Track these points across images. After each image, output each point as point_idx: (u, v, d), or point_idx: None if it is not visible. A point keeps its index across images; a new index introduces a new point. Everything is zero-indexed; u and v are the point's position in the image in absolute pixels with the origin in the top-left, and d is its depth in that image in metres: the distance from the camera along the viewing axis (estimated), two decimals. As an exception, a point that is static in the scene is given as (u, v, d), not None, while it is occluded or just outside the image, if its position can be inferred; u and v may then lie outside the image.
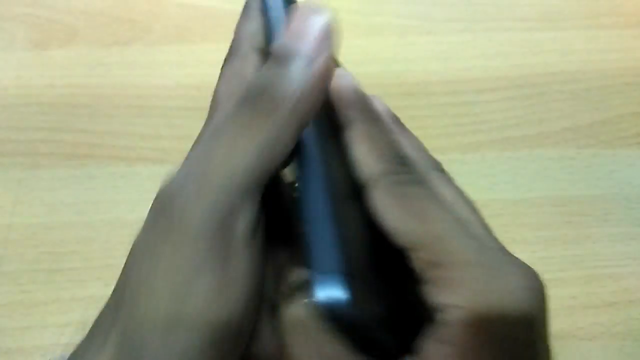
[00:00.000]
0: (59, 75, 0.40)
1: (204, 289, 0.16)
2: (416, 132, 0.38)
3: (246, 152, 0.16)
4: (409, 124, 0.41)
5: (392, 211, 0.17)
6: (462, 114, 0.39)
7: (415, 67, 0.42)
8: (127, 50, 0.42)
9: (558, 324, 0.31)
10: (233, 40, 0.21)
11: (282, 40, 0.18)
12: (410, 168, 0.19)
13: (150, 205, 0.18)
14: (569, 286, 0.32)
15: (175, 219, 0.16)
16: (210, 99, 0.43)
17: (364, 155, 0.18)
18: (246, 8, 0.22)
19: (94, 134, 0.37)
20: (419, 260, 0.16)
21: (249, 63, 0.21)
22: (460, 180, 0.36)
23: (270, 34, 0.21)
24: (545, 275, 0.35)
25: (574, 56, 0.42)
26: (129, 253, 0.18)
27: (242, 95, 0.18)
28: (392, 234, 0.17)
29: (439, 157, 0.39)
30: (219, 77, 0.22)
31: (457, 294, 0.15)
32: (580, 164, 0.36)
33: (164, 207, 0.17)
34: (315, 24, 0.18)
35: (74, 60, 0.41)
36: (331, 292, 0.15)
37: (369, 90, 0.43)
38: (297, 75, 0.17)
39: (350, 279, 0.15)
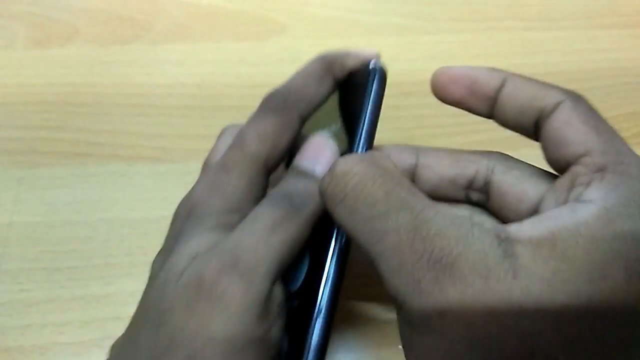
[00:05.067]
0: (59, 74, 0.40)
1: None
2: (416, 132, 0.38)
3: (279, 246, 0.20)
4: (409, 124, 0.41)
5: (575, 126, 0.19)
6: (462, 114, 0.39)
7: (415, 67, 0.42)
8: (127, 48, 0.42)
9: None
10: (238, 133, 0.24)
11: (303, 159, 0.23)
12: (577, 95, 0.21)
13: (185, 280, 0.19)
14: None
15: (220, 300, 0.18)
16: (210, 98, 0.44)
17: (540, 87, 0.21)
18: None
19: (94, 132, 0.37)
20: (585, 165, 0.18)
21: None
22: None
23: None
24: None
25: (574, 56, 0.42)
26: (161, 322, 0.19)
27: (273, 195, 0.21)
28: (571, 143, 0.19)
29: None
30: (212, 149, 0.25)
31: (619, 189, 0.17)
32: (580, 164, 0.36)
33: (204, 286, 0.19)
34: (326, 153, 0.23)
35: (74, 59, 0.41)
36: None
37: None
38: (314, 190, 0.20)
39: None
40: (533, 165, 0.22)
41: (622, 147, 0.19)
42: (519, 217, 0.19)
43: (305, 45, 0.43)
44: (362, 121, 0.22)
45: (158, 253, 0.22)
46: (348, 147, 0.23)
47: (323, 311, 0.20)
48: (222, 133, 0.26)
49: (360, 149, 0.22)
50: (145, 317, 0.20)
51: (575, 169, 0.19)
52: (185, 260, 0.19)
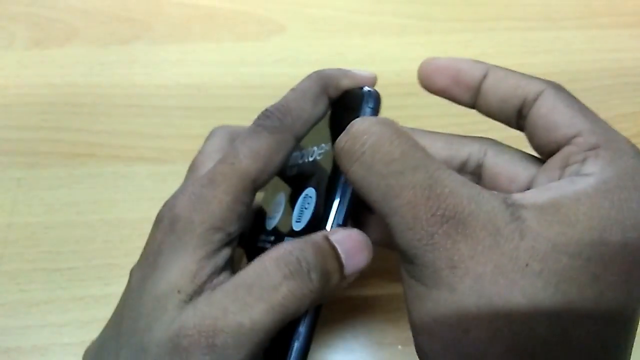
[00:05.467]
0: (59, 74, 0.40)
1: None
2: (416, 132, 0.38)
3: (258, 318, 0.19)
4: (409, 124, 0.41)
5: (561, 110, 0.21)
6: (462, 114, 0.39)
7: (415, 67, 0.41)
8: (126, 49, 0.42)
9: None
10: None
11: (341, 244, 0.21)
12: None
13: (168, 348, 0.19)
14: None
15: None
16: (209, 98, 0.43)
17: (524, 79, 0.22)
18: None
19: (94, 133, 0.37)
20: (577, 145, 0.19)
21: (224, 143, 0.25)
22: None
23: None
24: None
25: (574, 56, 0.42)
26: None
27: (279, 258, 0.20)
28: (560, 126, 0.20)
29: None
30: (200, 151, 0.25)
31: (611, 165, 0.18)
32: (580, 164, 0.36)
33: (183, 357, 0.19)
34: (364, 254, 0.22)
35: (74, 60, 0.41)
36: None
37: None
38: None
39: None
40: (523, 151, 0.23)
41: (608, 127, 0.20)
42: None
43: (304, 45, 0.43)
44: None
45: (138, 263, 0.22)
46: (334, 171, 0.23)
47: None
48: (211, 134, 0.26)
49: None
50: (126, 340, 0.20)
51: (567, 149, 0.20)
52: (169, 297, 0.20)
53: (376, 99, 0.23)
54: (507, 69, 0.23)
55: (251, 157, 0.21)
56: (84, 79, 0.40)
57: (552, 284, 0.17)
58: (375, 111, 0.23)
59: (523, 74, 0.23)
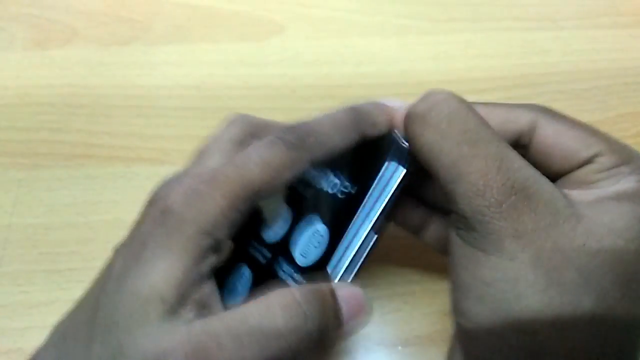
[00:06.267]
0: (58, 75, 0.40)
1: None
2: (416, 132, 0.38)
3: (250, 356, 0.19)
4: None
5: (569, 135, 0.21)
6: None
7: (415, 67, 0.42)
8: (126, 50, 0.42)
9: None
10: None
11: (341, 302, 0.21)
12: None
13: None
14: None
15: None
16: (209, 99, 0.43)
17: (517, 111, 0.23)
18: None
19: (94, 134, 0.37)
20: (601, 163, 0.21)
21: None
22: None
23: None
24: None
25: (574, 56, 0.42)
26: None
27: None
28: (576, 150, 0.21)
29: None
30: (213, 136, 0.24)
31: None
32: (580, 164, 0.36)
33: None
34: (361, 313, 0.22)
35: (73, 60, 0.41)
36: None
37: (369, 90, 0.43)
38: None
39: None
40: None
41: (622, 144, 0.21)
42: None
43: (304, 45, 0.43)
44: (378, 197, 0.23)
45: (123, 245, 0.22)
46: (352, 205, 0.23)
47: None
48: (231, 122, 0.24)
49: (368, 223, 0.23)
50: (100, 334, 0.19)
51: (587, 169, 0.21)
52: (151, 304, 0.19)
53: (406, 161, 0.23)
54: (488, 104, 0.23)
55: (260, 167, 0.21)
56: (84, 80, 0.40)
57: (607, 266, 0.18)
58: (402, 163, 0.23)
59: (504, 105, 0.23)
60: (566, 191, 0.20)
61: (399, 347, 0.30)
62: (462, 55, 0.42)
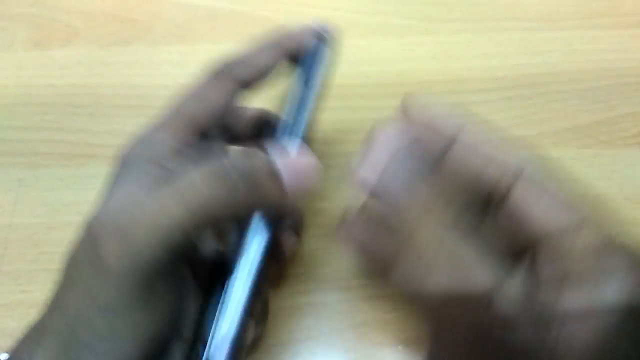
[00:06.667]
0: (59, 75, 0.40)
1: (132, 321, 0.19)
2: (416, 132, 0.38)
3: (174, 215, 0.19)
4: (409, 124, 0.41)
5: (537, 204, 0.20)
6: (462, 114, 0.39)
7: (415, 67, 0.42)
8: (127, 50, 0.42)
9: (558, 324, 0.31)
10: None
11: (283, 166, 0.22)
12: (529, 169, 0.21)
13: (82, 236, 0.21)
14: (568, 286, 0.32)
15: (104, 260, 0.19)
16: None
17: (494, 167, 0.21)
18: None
19: (94, 134, 0.37)
20: (568, 250, 0.19)
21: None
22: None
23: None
24: (545, 275, 0.34)
25: (574, 56, 0.42)
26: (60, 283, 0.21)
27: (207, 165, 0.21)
28: (538, 223, 0.20)
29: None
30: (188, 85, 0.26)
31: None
32: (580, 164, 0.36)
33: (93, 246, 0.20)
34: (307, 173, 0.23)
35: (75, 60, 0.41)
36: None
37: (370, 90, 0.43)
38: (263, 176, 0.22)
39: None
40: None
41: (590, 216, 0.20)
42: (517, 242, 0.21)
43: (305, 45, 0.43)
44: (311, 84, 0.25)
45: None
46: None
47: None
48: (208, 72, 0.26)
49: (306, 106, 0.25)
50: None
51: (563, 243, 0.19)
52: (105, 226, 0.21)
53: (331, 42, 0.26)
54: (477, 134, 0.22)
55: (193, 101, 0.24)
56: (85, 80, 0.40)
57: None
58: (331, 51, 0.26)
59: (490, 149, 0.21)
60: (538, 270, 0.19)
61: (399, 347, 0.30)
62: (462, 55, 0.42)
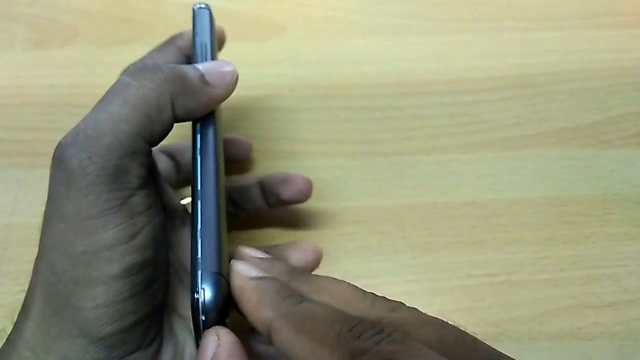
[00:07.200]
0: (59, 75, 0.40)
1: (113, 225, 0.20)
2: (416, 132, 0.38)
3: (118, 112, 0.21)
4: (408, 124, 0.41)
5: None
6: (462, 114, 0.39)
7: (415, 67, 0.42)
8: (127, 50, 0.42)
9: (558, 323, 0.31)
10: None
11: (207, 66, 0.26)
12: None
13: (51, 163, 0.22)
14: (568, 286, 0.32)
15: (74, 174, 0.20)
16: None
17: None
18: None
19: (94, 134, 0.37)
20: None
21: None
22: (461, 180, 0.36)
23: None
24: (545, 275, 0.35)
25: (574, 56, 0.42)
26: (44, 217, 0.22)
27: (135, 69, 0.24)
28: None
29: (439, 157, 0.39)
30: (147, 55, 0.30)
31: None
32: (580, 164, 0.36)
33: (62, 165, 0.21)
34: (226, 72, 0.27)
35: (74, 60, 0.41)
36: (213, 287, 0.20)
37: (370, 90, 0.43)
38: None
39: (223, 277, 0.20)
40: None
41: None
42: None
43: (304, 45, 0.43)
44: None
45: None
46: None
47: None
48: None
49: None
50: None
51: None
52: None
53: (205, 12, 0.30)
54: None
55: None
56: (85, 80, 0.40)
57: None
58: (208, 20, 0.29)
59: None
60: None
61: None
62: (462, 55, 0.42)
